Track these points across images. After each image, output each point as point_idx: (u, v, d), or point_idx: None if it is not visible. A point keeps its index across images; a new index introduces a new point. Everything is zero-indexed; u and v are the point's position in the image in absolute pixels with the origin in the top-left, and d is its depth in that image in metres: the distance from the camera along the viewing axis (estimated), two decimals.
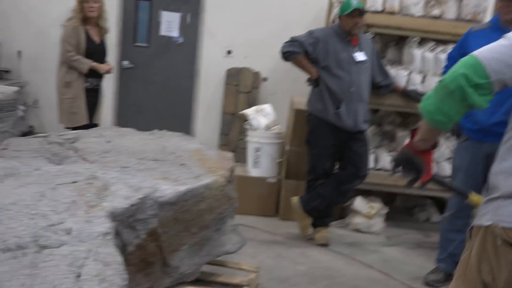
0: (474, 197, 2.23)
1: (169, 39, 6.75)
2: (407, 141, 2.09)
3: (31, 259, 1.92)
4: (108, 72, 5.05)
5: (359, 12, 4.22)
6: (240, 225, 3.77)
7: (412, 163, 2.05)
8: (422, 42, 4.98)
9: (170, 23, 6.72)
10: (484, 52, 1.79)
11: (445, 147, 4.99)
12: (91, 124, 4.93)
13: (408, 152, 2.05)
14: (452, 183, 2.57)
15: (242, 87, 6.66)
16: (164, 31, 6.73)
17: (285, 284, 3.72)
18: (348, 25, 4.27)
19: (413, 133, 2.07)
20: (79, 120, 4.91)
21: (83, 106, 4.93)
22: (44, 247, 2.02)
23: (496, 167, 1.85)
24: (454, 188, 2.45)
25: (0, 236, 2.03)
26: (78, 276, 1.86)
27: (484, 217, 1.80)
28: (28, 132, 6.77)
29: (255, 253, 4.19)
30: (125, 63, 6.71)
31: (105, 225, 2.20)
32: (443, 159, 5.03)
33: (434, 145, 2.07)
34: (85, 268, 1.90)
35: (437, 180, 2.21)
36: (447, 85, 1.79)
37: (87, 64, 4.85)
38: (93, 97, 5.06)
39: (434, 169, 2.12)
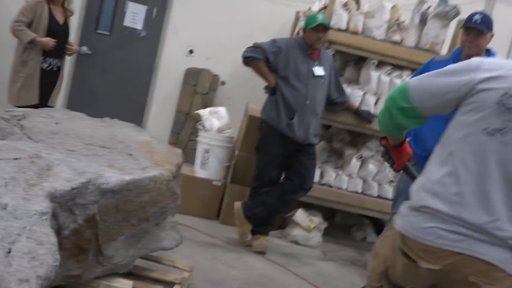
0: None
1: (132, 30, 6.68)
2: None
3: None
4: (45, 45, 4.86)
5: (323, 27, 4.29)
6: (180, 224, 3.75)
7: (387, 154, 2.48)
8: (380, 65, 5.09)
9: (135, 15, 6.65)
10: (415, 80, 2.06)
11: (388, 170, 5.10)
12: (43, 106, 4.82)
13: (384, 146, 2.48)
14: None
15: (200, 88, 6.65)
16: (128, 22, 6.65)
17: (218, 286, 3.72)
18: (312, 39, 4.34)
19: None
20: (29, 99, 4.80)
21: (36, 86, 4.83)
22: None
23: (416, 181, 2.12)
24: None
25: None
26: (9, 251, 1.82)
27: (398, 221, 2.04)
28: None
29: (192, 253, 4.18)
30: (84, 49, 6.61)
31: (43, 205, 2.17)
32: (386, 182, 5.15)
33: (402, 143, 2.44)
34: (16, 245, 1.86)
35: (407, 170, 2.54)
36: (384, 103, 2.13)
37: (30, 36, 4.73)
38: (50, 78, 4.97)
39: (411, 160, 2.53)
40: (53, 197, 2.34)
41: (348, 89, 4.93)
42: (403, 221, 1.99)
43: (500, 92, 1.82)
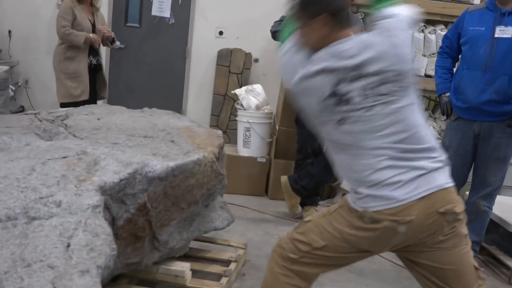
0: None
1: (161, 19, 6.74)
2: None
3: (21, 230, 1.95)
4: (95, 41, 5.04)
5: None
6: (230, 204, 3.81)
7: None
8: None
9: (161, 3, 6.71)
10: None
11: (432, 128, 5.04)
12: (92, 101, 5.03)
13: None
14: None
15: (234, 68, 6.68)
16: (155, 11, 6.71)
17: None
18: None
19: None
20: (80, 95, 4.96)
21: (86, 81, 4.99)
22: (34, 218, 2.06)
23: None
24: None
25: None
26: (68, 246, 1.90)
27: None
28: (19, 112, 6.77)
29: (244, 231, 4.24)
30: (117, 43, 6.70)
31: (95, 198, 2.24)
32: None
33: None
34: (74, 239, 1.94)
35: None
36: None
37: (82, 36, 4.87)
38: (95, 74, 5.14)
39: None
40: (104, 190, 2.42)
41: None
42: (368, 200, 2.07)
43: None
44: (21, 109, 6.84)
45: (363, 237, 2.09)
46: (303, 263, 2.18)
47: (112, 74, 6.88)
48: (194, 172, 2.87)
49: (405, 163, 2.02)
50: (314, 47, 2.05)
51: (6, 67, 5.71)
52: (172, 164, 2.74)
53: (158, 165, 2.69)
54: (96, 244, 1.93)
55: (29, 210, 2.09)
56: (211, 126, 6.72)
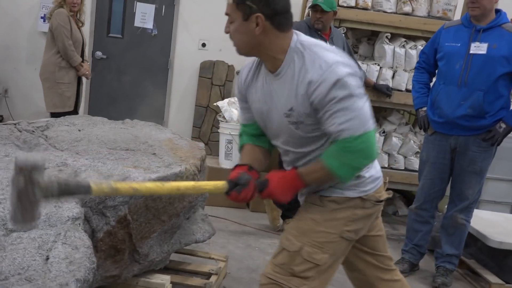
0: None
1: (143, 30, 6.74)
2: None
3: None
4: (85, 75, 5.24)
5: (320, 8, 4.28)
6: (211, 216, 3.80)
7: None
8: (393, 38, 5.06)
9: (144, 15, 6.70)
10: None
11: (413, 142, 5.08)
12: (75, 112, 5.10)
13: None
14: None
15: (216, 80, 6.69)
16: (138, 22, 6.71)
17: (254, 273, 3.77)
18: (312, 19, 4.36)
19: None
20: (70, 105, 5.05)
21: (74, 92, 5.10)
22: (12, 230, 2.03)
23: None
24: None
25: None
26: (47, 258, 1.88)
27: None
28: None
29: (225, 243, 4.23)
30: (99, 54, 6.68)
31: (75, 210, 2.22)
32: (412, 154, 5.13)
33: None
34: (53, 251, 1.92)
35: None
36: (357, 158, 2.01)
37: (78, 61, 5.02)
38: (78, 85, 5.21)
39: None
40: (84, 202, 2.40)
41: (363, 66, 4.92)
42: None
43: None
44: (0, 119, 6.77)
45: (363, 225, 2.15)
46: (313, 286, 2.11)
47: (93, 85, 6.84)
48: None
49: None
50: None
51: None
52: (153, 176, 2.73)
53: (139, 177, 2.67)
54: (76, 257, 1.91)
55: (7, 222, 2.06)
56: (193, 137, 6.70)
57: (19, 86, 6.76)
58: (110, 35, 6.78)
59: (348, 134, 1.89)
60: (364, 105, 1.92)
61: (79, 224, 2.17)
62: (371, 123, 1.94)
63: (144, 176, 2.69)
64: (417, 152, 5.14)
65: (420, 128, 3.99)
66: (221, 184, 2.04)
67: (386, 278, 2.36)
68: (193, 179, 2.98)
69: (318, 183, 2.04)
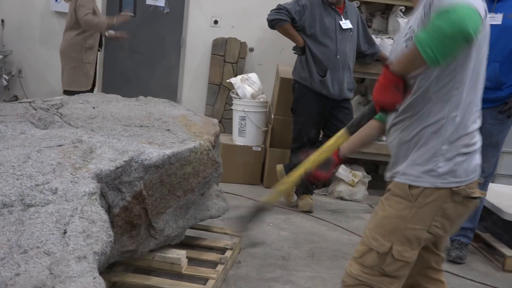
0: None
1: (155, 8, 6.70)
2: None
3: (17, 217, 1.95)
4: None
5: None
6: (225, 192, 3.81)
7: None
8: (408, 10, 5.00)
9: None
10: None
11: None
12: (92, 90, 5.26)
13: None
14: None
15: (229, 57, 6.65)
16: (150, 0, 6.67)
17: (269, 248, 3.79)
18: None
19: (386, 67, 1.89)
20: (90, 83, 5.19)
21: (93, 71, 5.23)
22: (30, 205, 2.06)
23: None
24: None
25: None
26: (64, 232, 1.90)
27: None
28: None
29: None
30: (111, 32, 6.66)
31: (91, 185, 2.23)
32: None
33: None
34: (71, 225, 1.94)
35: None
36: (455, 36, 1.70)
37: (105, 22, 5.13)
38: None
39: None
40: (100, 178, 2.41)
41: (377, 40, 4.87)
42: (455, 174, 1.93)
43: None
44: (15, 99, 6.81)
45: (451, 222, 1.99)
46: (401, 282, 2.05)
47: (106, 63, 6.85)
48: (190, 160, 2.87)
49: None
50: None
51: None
52: (168, 152, 2.74)
53: (154, 153, 2.68)
54: (93, 230, 1.93)
55: (25, 197, 2.09)
56: (206, 115, 6.69)
57: (33, 66, 6.79)
58: (122, 13, 6.73)
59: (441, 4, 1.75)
60: None
61: (96, 199, 2.18)
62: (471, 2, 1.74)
63: (158, 152, 2.70)
64: None
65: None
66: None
67: (434, 277, 2.22)
68: (207, 155, 2.99)
69: (409, 68, 1.80)
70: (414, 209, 1.95)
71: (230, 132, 5.64)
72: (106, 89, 6.79)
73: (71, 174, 2.33)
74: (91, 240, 1.87)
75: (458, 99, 1.90)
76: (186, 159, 2.84)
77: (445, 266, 2.73)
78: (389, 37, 4.96)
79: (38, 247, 1.80)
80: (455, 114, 1.90)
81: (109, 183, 2.52)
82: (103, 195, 2.48)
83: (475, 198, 1.96)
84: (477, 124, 1.98)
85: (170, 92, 6.86)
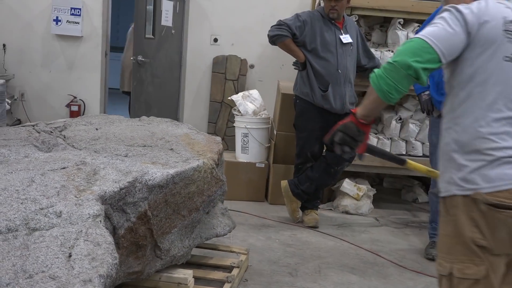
0: (410, 164, 2.43)
1: (167, 29, 6.61)
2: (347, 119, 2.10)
3: (22, 241, 1.94)
4: None
5: None
6: (230, 210, 3.80)
7: (356, 135, 2.06)
8: (406, 23, 5.02)
9: (167, 13, 6.57)
10: (427, 32, 1.88)
11: (413, 126, 5.07)
12: None
13: (355, 126, 2.04)
14: (385, 151, 2.67)
15: (229, 74, 6.67)
16: (164, 21, 6.52)
17: (275, 265, 3.77)
18: (326, 9, 4.34)
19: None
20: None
21: None
22: (34, 229, 2.05)
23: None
24: (388, 155, 2.56)
25: None
26: (69, 256, 1.89)
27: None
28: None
29: (245, 236, 4.23)
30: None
31: (95, 208, 2.23)
32: (413, 138, 5.11)
33: (374, 120, 2.14)
34: (76, 248, 1.93)
35: (372, 149, 2.28)
36: (399, 63, 1.86)
37: None
38: None
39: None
40: (104, 199, 2.41)
41: (377, 53, 4.88)
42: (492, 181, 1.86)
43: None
44: (18, 122, 6.83)
45: (490, 230, 1.86)
46: None
47: (107, 84, 6.86)
48: (194, 179, 2.86)
49: None
50: None
51: (2, 81, 5.72)
52: (172, 171, 2.74)
53: (158, 172, 2.68)
54: (98, 253, 1.92)
55: (30, 221, 2.08)
56: (209, 133, 6.69)
57: (35, 90, 6.81)
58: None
59: None
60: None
61: (100, 221, 2.18)
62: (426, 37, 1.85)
63: (162, 172, 2.70)
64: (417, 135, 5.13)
65: (423, 112, 4.02)
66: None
67: None
68: (211, 173, 2.98)
69: (370, 108, 1.98)
70: (451, 222, 1.92)
71: (233, 149, 5.64)
72: (108, 110, 6.80)
73: (75, 197, 2.32)
74: (96, 263, 1.85)
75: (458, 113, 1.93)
76: (190, 178, 2.84)
77: None
78: (389, 50, 4.97)
79: (43, 271, 1.79)
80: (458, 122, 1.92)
81: (114, 205, 2.51)
82: (107, 217, 2.47)
83: (505, 208, 1.83)
84: (498, 129, 1.89)
85: (172, 110, 6.85)
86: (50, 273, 1.78)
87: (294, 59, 4.56)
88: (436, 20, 1.92)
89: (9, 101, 6.43)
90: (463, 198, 1.88)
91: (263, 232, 4.40)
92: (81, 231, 2.05)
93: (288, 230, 4.50)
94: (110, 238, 2.05)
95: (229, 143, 6.43)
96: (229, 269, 3.42)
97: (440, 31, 1.87)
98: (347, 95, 4.41)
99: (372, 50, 4.80)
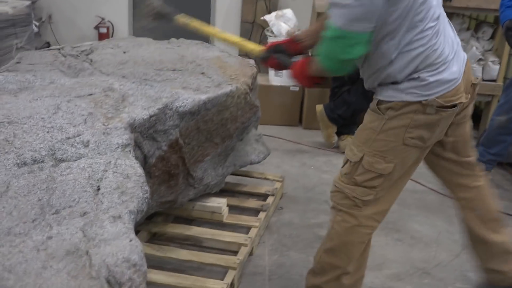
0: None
1: None
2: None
3: (48, 173, 1.84)
4: None
5: None
6: (264, 135, 3.67)
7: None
8: None
9: None
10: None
11: (475, 49, 4.77)
12: None
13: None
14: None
15: None
16: None
17: (311, 192, 3.66)
18: None
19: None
20: None
21: None
22: (61, 160, 1.94)
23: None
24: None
25: (15, 150, 1.95)
26: (98, 189, 1.79)
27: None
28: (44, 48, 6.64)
29: (280, 163, 4.12)
30: None
31: (124, 137, 2.11)
32: (474, 61, 4.81)
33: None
34: (104, 181, 1.82)
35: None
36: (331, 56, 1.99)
37: None
38: None
39: None
40: (133, 127, 2.29)
41: None
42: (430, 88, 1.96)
43: None
44: (47, 45, 6.71)
45: (428, 132, 2.01)
46: (379, 198, 2.10)
47: (136, 5, 6.64)
48: (227, 105, 2.72)
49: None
50: None
51: (27, 2, 5.55)
52: (203, 97, 2.59)
53: (189, 98, 2.54)
54: (128, 186, 1.81)
55: (56, 152, 1.98)
56: (240, 54, 6.48)
57: (63, 11, 6.63)
58: None
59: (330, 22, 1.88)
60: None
61: (129, 151, 2.06)
62: (356, 25, 1.83)
63: (193, 97, 2.55)
64: (479, 59, 4.81)
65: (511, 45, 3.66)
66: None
67: (463, 183, 2.32)
68: (245, 99, 2.83)
69: (313, 71, 2.16)
70: (384, 121, 1.99)
71: (266, 72, 5.44)
72: (135, 30, 6.62)
73: (103, 125, 2.20)
74: (126, 198, 1.75)
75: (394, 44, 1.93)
76: (223, 104, 2.69)
77: None
78: None
79: (70, 206, 1.69)
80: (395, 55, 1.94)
81: (144, 133, 2.40)
82: (138, 146, 2.36)
83: (453, 106, 1.98)
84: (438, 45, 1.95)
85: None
86: (77, 208, 1.68)
87: None
88: None
89: (37, 24, 6.28)
90: (412, 103, 1.94)
91: (297, 158, 4.28)
92: (110, 162, 1.93)
93: (323, 156, 4.37)
94: (140, 170, 1.93)
95: (261, 66, 6.21)
96: (263, 196, 3.33)
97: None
98: None
99: None
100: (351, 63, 1.98)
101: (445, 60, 1.96)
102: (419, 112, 1.96)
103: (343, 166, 2.14)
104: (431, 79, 1.94)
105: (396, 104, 1.97)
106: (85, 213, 1.66)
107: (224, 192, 3.21)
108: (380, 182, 2.05)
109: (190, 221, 2.99)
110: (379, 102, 2.04)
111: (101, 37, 6.57)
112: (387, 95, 2.00)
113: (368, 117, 2.11)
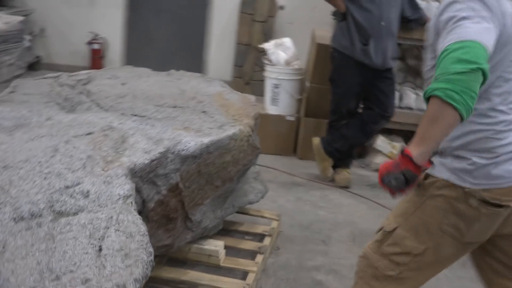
0: None
1: None
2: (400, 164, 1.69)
3: (46, 230, 1.74)
4: None
5: None
6: (259, 165, 3.57)
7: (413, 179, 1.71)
8: None
9: None
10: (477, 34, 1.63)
11: None
12: None
13: (413, 174, 1.67)
14: None
15: (258, 16, 6.34)
16: None
17: (307, 231, 3.59)
18: None
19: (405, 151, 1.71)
20: None
21: None
22: (60, 213, 1.85)
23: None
24: None
25: (11, 201, 1.85)
26: (100, 250, 1.69)
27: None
28: (35, 63, 6.52)
29: (275, 196, 4.04)
30: None
31: (126, 187, 2.01)
32: None
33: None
34: (106, 241, 1.73)
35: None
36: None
37: None
38: None
39: None
40: (133, 172, 2.20)
41: (423, 3, 4.52)
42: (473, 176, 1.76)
43: None
44: (38, 59, 6.60)
45: (468, 225, 1.79)
46: (403, 279, 1.92)
47: (130, 23, 6.56)
48: (229, 148, 2.64)
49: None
50: None
51: (20, 17, 5.45)
52: (206, 140, 2.51)
53: (191, 142, 2.45)
54: (131, 248, 1.72)
55: (54, 204, 1.88)
56: (234, 77, 6.43)
57: (56, 25, 6.54)
58: None
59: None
60: (471, 26, 1.62)
61: (131, 203, 1.97)
62: (476, 37, 1.58)
63: (196, 141, 2.47)
64: None
65: None
66: None
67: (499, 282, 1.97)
68: (247, 141, 2.75)
69: (435, 139, 1.65)
70: (422, 197, 1.86)
71: (259, 95, 5.38)
72: (129, 50, 6.54)
73: (103, 170, 2.11)
74: (130, 261, 1.66)
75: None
76: (225, 147, 2.61)
77: None
78: (437, 0, 4.60)
79: (71, 271, 1.59)
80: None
81: (144, 177, 2.30)
82: (137, 190, 2.27)
83: (498, 206, 1.76)
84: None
85: (197, 52, 6.58)
86: (79, 273, 1.58)
87: (329, 6, 4.22)
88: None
89: (29, 37, 6.17)
90: (455, 187, 1.78)
91: (293, 192, 4.20)
92: (112, 217, 1.84)
93: (318, 190, 4.30)
94: (143, 228, 1.84)
95: (255, 88, 6.13)
96: (260, 236, 3.25)
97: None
98: (390, 49, 4.08)
99: (417, 0, 4.43)
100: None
101: (507, 153, 1.76)
102: (461, 200, 1.78)
103: (377, 232, 2.01)
104: (481, 167, 1.76)
105: (439, 182, 1.81)
106: (87, 280, 1.56)
107: (220, 231, 3.12)
108: (406, 260, 1.89)
109: (184, 263, 2.90)
110: (427, 176, 1.86)
111: (94, 53, 6.48)
112: (435, 168, 1.83)
113: (415, 189, 1.88)
